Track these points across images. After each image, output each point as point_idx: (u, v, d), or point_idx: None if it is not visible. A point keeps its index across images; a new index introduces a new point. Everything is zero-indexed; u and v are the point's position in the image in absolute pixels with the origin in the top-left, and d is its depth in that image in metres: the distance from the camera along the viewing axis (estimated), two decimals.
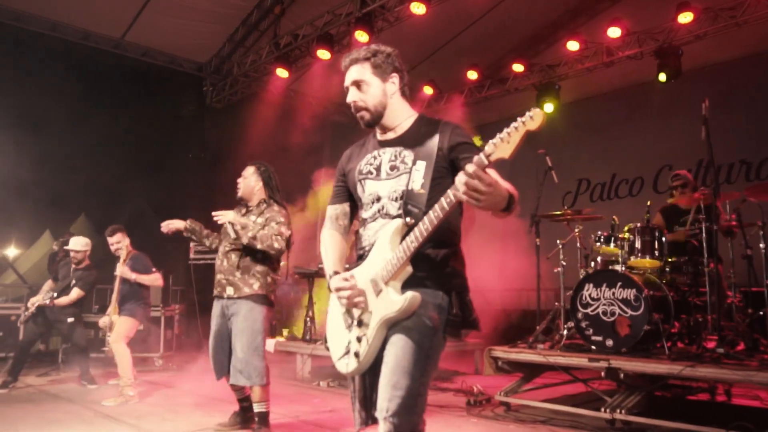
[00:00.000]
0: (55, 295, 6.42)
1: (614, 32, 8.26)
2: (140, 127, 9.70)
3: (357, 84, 2.25)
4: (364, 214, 2.29)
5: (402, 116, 2.29)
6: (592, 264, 5.32)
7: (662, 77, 8.17)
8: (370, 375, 2.17)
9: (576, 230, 5.39)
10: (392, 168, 2.21)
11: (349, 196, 2.39)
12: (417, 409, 2.03)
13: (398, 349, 2.04)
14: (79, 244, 6.59)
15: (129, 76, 9.82)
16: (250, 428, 4.13)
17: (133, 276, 5.78)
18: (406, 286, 2.07)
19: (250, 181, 4.26)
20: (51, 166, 8.89)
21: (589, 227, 5.75)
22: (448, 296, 2.14)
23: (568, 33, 9.05)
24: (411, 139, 2.23)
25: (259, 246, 3.96)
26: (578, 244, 5.45)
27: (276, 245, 3.99)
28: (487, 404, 5.17)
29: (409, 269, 2.08)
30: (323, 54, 8.30)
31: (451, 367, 7.28)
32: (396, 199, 2.17)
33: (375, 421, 2.20)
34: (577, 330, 4.84)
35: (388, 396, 2.00)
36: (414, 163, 2.16)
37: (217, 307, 4.19)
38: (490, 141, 1.79)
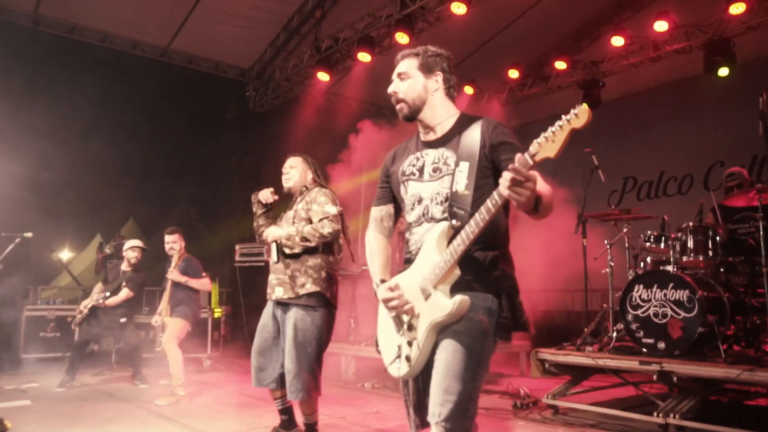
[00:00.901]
0: (108, 294, 6.63)
1: (661, 26, 8.04)
2: (186, 133, 9.94)
3: (400, 75, 2.30)
4: (409, 217, 2.29)
5: (443, 115, 2.29)
6: (642, 264, 5.19)
7: (723, 72, 7.91)
8: (423, 379, 2.17)
9: (624, 230, 5.27)
10: (435, 170, 2.22)
11: (393, 197, 2.41)
12: (469, 414, 2.02)
13: (449, 353, 2.04)
14: (138, 243, 6.92)
15: (175, 84, 10.07)
16: None
17: (183, 279, 5.92)
18: (455, 289, 2.06)
19: (297, 171, 3.94)
20: (101, 172, 9.20)
21: (637, 227, 5.61)
22: (498, 299, 2.13)
23: (612, 28, 8.87)
24: (453, 140, 2.23)
25: (312, 243, 3.64)
26: (626, 244, 5.33)
27: (325, 231, 3.62)
28: (533, 407, 5.09)
29: (457, 272, 2.07)
30: (364, 57, 8.34)
31: (496, 370, 7.19)
32: (440, 202, 2.17)
33: (429, 425, 2.20)
34: (627, 332, 4.73)
35: (440, 400, 2.00)
36: (457, 164, 2.16)
37: (267, 310, 3.85)
38: (535, 141, 1.78)
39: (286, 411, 3.88)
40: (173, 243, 6.06)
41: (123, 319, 6.67)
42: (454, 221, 2.09)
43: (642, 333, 4.60)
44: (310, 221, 3.73)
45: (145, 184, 9.88)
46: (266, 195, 3.97)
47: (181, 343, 5.87)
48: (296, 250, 3.69)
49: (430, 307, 2.07)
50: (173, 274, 5.88)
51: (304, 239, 3.64)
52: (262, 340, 3.78)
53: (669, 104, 9.56)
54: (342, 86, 10.67)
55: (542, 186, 1.91)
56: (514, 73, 9.85)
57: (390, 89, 2.31)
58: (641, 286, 4.67)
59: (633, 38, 8.62)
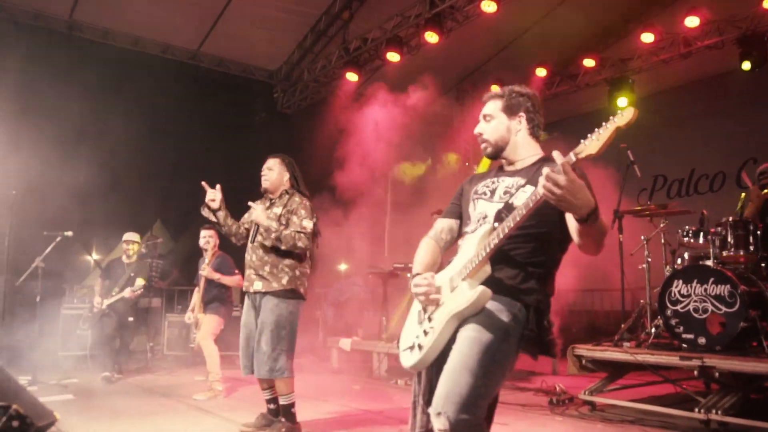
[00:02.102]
0: (131, 287, 6.85)
1: (692, 21, 7.97)
2: (214, 134, 10.08)
3: (485, 117, 2.39)
4: (468, 229, 2.33)
5: (525, 153, 2.36)
6: (679, 260, 5.15)
7: (746, 65, 7.82)
8: (437, 376, 2.09)
9: (661, 225, 5.23)
10: (505, 192, 2.27)
11: (459, 215, 2.45)
12: (476, 410, 1.94)
13: (464, 346, 2.01)
14: (135, 236, 7.18)
15: (204, 86, 10.22)
16: (278, 421, 4.06)
17: (216, 276, 6.00)
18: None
19: (275, 173, 4.21)
20: (133, 173, 9.37)
21: (672, 223, 5.56)
22: (526, 310, 2.12)
23: (641, 25, 8.80)
24: (530, 171, 2.28)
25: (283, 247, 3.95)
26: (662, 240, 5.29)
27: (300, 244, 3.95)
28: (570, 403, 5.07)
29: (487, 269, 2.09)
30: (393, 56, 8.39)
31: (528, 368, 7.18)
32: (496, 214, 2.21)
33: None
34: (666, 328, 4.70)
35: (445, 392, 1.94)
36: (523, 186, 2.21)
37: (247, 302, 4.19)
38: (582, 141, 1.83)
39: (274, 401, 4.17)
40: (209, 237, 6.15)
41: (131, 318, 6.88)
42: (496, 224, 2.12)
43: (682, 328, 4.57)
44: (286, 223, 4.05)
45: (175, 186, 10.01)
46: (210, 197, 4.25)
47: (216, 339, 5.97)
48: (266, 243, 4.00)
49: (453, 298, 2.10)
50: (206, 271, 5.96)
51: (278, 240, 3.95)
52: (247, 331, 4.12)
53: (700, 101, 9.46)
54: (370, 87, 10.72)
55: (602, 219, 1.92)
56: (541, 72, 9.82)
57: (476, 130, 2.41)
58: (680, 282, 4.63)
59: (663, 34, 8.55)
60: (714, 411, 4.01)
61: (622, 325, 5.24)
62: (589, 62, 9.41)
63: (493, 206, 2.25)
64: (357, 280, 10.33)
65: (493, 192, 2.31)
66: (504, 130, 2.35)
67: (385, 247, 10.36)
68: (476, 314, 2.05)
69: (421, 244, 2.46)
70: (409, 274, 2.38)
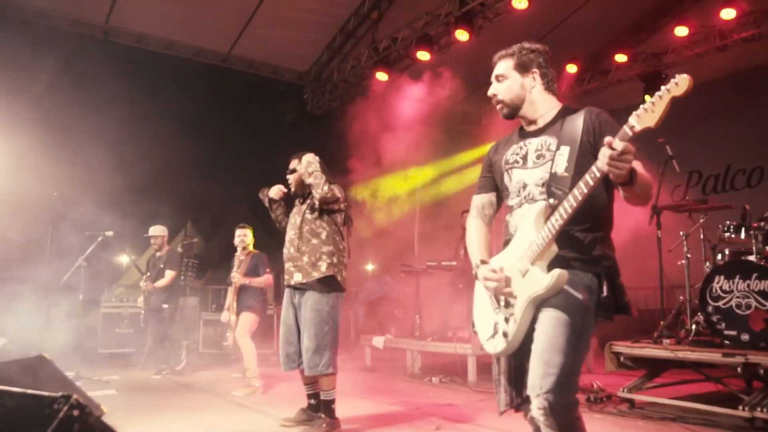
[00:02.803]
0: (148, 275, 7.07)
1: (728, 14, 7.82)
2: (245, 136, 10.21)
3: (497, 78, 2.36)
4: (511, 201, 2.33)
5: (544, 108, 2.33)
6: (719, 256, 5.06)
7: None
8: (517, 356, 2.19)
9: (701, 220, 5.15)
10: (538, 156, 2.25)
11: (494, 186, 2.45)
12: (571, 387, 2.03)
13: (549, 327, 2.06)
14: (157, 230, 7.28)
15: (235, 89, 10.36)
16: (318, 417, 4.10)
17: (246, 281, 6.07)
18: (553, 266, 2.08)
19: (298, 174, 4.29)
20: (164, 176, 9.52)
21: (710, 218, 5.46)
22: (598, 279, 2.14)
23: (674, 18, 8.67)
24: (555, 127, 2.26)
25: (319, 187, 3.98)
26: (702, 236, 5.21)
27: (335, 190, 4.04)
28: (608, 401, 5.02)
29: (555, 249, 2.09)
30: (423, 55, 8.41)
31: None
32: (541, 185, 2.20)
33: (523, 402, 2.21)
34: (707, 324, 4.63)
35: (541, 373, 2.01)
36: (558, 148, 2.19)
37: (286, 298, 4.25)
38: (634, 113, 1.82)
39: (315, 396, 4.21)
40: (243, 236, 6.25)
41: (165, 305, 6.99)
42: (551, 200, 2.11)
43: (724, 325, 4.49)
44: (320, 212, 4.14)
45: (207, 187, 10.19)
46: (276, 191, 4.43)
47: (253, 336, 6.05)
48: (308, 180, 4.05)
49: (528, 283, 2.10)
50: (237, 278, 6.03)
51: (319, 178, 4.01)
52: (286, 327, 4.19)
53: (736, 95, 9.27)
54: (399, 86, 10.75)
55: (638, 166, 1.95)
56: (572, 68, 9.74)
57: (489, 92, 2.38)
58: (722, 277, 4.55)
59: (698, 27, 8.41)
60: (759, 409, 3.94)
61: (661, 322, 5.17)
62: (621, 58, 9.30)
63: (530, 173, 2.25)
64: (388, 279, 10.37)
65: (524, 158, 2.29)
66: (518, 88, 2.32)
67: (415, 246, 10.36)
68: (554, 295, 2.07)
69: (469, 227, 2.46)
70: (474, 265, 2.38)
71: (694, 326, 4.87)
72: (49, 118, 7.88)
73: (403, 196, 10.36)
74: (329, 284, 4.08)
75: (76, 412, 2.35)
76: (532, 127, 2.34)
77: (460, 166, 11.34)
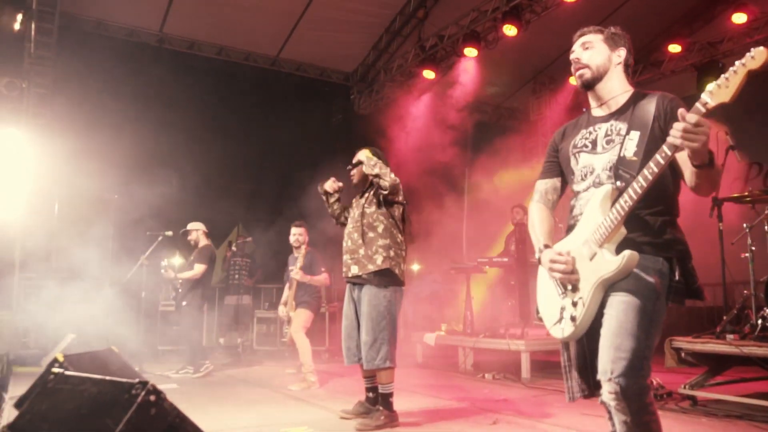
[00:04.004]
0: (165, 263, 7.00)
1: None
2: (294, 138, 10.39)
3: (584, 45, 2.32)
4: (577, 186, 2.30)
5: (618, 89, 2.29)
6: None
7: None
8: (588, 342, 2.16)
9: (766, 211, 4.98)
10: (608, 141, 2.22)
11: (559, 172, 2.42)
12: (643, 372, 1.99)
13: (620, 311, 2.02)
14: (193, 225, 7.23)
15: (284, 91, 10.56)
16: (376, 409, 4.13)
17: (307, 279, 6.14)
18: (622, 249, 2.04)
19: (361, 169, 4.30)
20: (217, 177, 9.79)
21: None
22: (669, 262, 2.10)
23: (732, 5, 8.39)
24: (626, 112, 2.23)
25: (385, 178, 4.03)
26: (766, 227, 5.02)
27: (396, 180, 4.09)
28: (668, 398, 4.90)
29: (623, 231, 2.06)
30: (470, 52, 8.39)
31: None
32: (609, 169, 2.17)
33: (595, 389, 2.19)
34: None
35: (612, 357, 1.98)
36: (628, 132, 2.16)
37: (347, 293, 4.32)
38: (707, 88, 1.79)
39: (373, 389, 4.28)
40: (299, 235, 6.33)
41: (184, 302, 6.94)
42: (618, 183, 2.09)
43: None
44: (379, 204, 4.20)
45: (258, 188, 10.41)
46: (330, 185, 4.50)
47: (308, 333, 6.16)
48: (374, 171, 4.07)
49: (596, 266, 2.07)
50: (299, 275, 6.10)
51: (384, 167, 4.08)
52: (348, 322, 4.27)
53: None
54: (446, 84, 10.75)
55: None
56: None
57: (572, 56, 2.33)
58: None
59: (757, 14, 8.12)
60: None
61: (724, 317, 5.01)
62: (674, 48, 9.05)
63: (599, 158, 2.22)
64: (436, 277, 10.36)
65: (594, 143, 2.26)
66: (605, 58, 2.28)
67: (463, 243, 10.33)
68: (624, 278, 2.04)
69: (532, 211, 2.45)
70: (538, 250, 2.37)
71: (760, 321, 4.70)
72: (107, 125, 8.19)
73: (450, 193, 10.33)
74: (386, 278, 4.12)
75: (152, 397, 2.47)
76: (602, 111, 2.31)
77: (508, 162, 11.24)
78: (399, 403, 4.66)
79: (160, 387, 5.62)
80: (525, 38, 8.36)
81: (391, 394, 4.14)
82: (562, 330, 2.18)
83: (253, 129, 10.10)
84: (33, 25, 7.91)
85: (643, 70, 9.99)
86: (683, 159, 1.98)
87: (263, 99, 10.27)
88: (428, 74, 9.27)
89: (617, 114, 2.25)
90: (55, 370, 2.88)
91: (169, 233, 6.80)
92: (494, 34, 8.41)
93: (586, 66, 2.28)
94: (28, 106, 8.61)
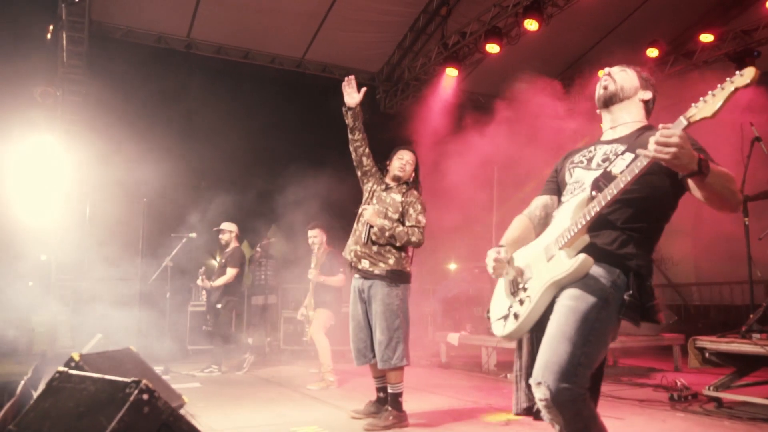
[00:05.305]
0: (202, 270, 7.10)
1: None
2: (320, 139, 10.44)
3: (620, 68, 2.34)
4: (563, 198, 2.30)
5: (632, 117, 2.29)
6: None
7: None
8: (537, 348, 2.08)
9: None
10: (604, 160, 2.21)
11: (556, 190, 2.41)
12: (577, 379, 1.91)
13: (561, 315, 1.99)
14: (226, 225, 7.29)
15: (309, 92, 10.64)
16: (385, 409, 4.11)
17: (321, 279, 6.19)
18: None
19: (411, 167, 4.38)
20: (246, 179, 9.92)
21: None
22: (626, 276, 2.05)
23: None
24: (629, 138, 2.22)
25: (397, 244, 4.11)
26: None
27: (413, 239, 4.10)
28: (693, 400, 4.75)
29: (586, 238, 2.04)
30: (492, 48, 8.29)
31: (647, 364, 6.83)
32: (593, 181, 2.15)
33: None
34: None
35: (545, 361, 1.93)
36: (623, 153, 2.14)
37: (353, 295, 4.29)
38: (694, 105, 1.78)
39: (384, 389, 4.25)
40: (314, 237, 6.38)
41: (219, 305, 7.00)
42: (593, 192, 2.06)
43: None
44: (401, 220, 4.18)
45: (287, 190, 10.50)
46: (348, 98, 4.39)
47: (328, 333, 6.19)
48: (380, 241, 4.13)
49: (551, 267, 2.06)
50: (313, 276, 6.15)
51: (392, 238, 4.11)
52: (355, 323, 4.26)
53: None
54: (470, 82, 10.67)
55: (715, 167, 1.88)
56: (653, 52, 9.26)
57: (605, 70, 2.35)
58: None
59: None
60: None
61: (751, 315, 4.82)
62: (706, 37, 8.75)
63: (590, 174, 2.19)
64: (465, 276, 10.29)
65: (590, 160, 2.26)
66: (634, 87, 2.29)
67: (492, 241, 10.22)
68: (574, 282, 2.01)
69: (514, 220, 2.45)
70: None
71: None
72: (136, 130, 8.39)
73: (480, 191, 10.23)
74: (398, 276, 4.13)
75: (145, 396, 2.52)
76: (609, 136, 2.31)
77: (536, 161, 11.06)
78: (413, 403, 4.65)
79: (184, 386, 5.77)
80: (548, 33, 8.22)
81: (400, 394, 4.12)
82: (504, 327, 2.15)
83: (281, 131, 10.21)
84: (64, 35, 8.17)
85: (675, 62, 9.70)
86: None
87: (289, 101, 10.38)
88: (451, 72, 9.20)
89: (622, 139, 2.24)
90: (61, 368, 2.97)
91: (193, 235, 6.94)
92: (516, 30, 8.29)
93: (613, 79, 2.30)
94: (62, 113, 8.92)
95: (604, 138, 2.34)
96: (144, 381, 2.50)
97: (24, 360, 7.50)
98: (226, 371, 6.88)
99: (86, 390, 2.68)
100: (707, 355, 4.71)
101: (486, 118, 10.05)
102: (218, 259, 7.80)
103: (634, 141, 2.16)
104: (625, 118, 2.28)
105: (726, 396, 4.53)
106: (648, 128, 2.23)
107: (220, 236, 7.34)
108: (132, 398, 2.45)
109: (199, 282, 7.16)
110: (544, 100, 12.18)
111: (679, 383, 4.92)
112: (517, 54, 8.88)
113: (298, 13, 9.39)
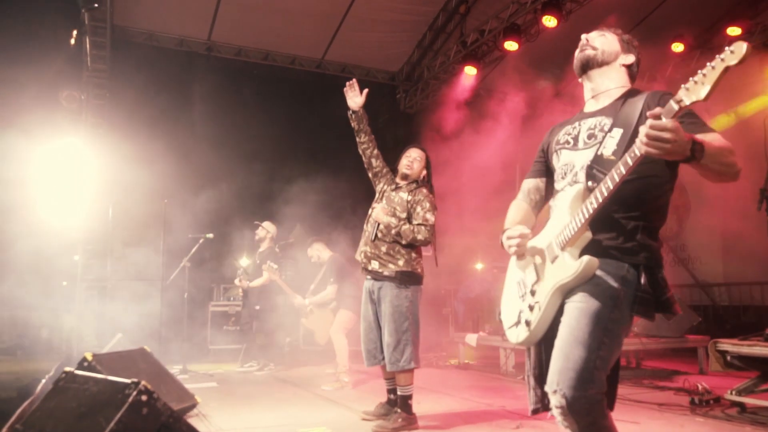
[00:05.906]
0: (240, 271, 7.29)
1: None
2: (342, 139, 10.43)
3: (599, 33, 2.26)
4: (557, 185, 2.21)
5: (614, 83, 2.20)
6: None
7: None
8: (547, 350, 2.04)
9: None
10: (590, 137, 2.11)
11: (545, 171, 2.34)
12: (593, 385, 1.84)
13: (572, 318, 1.92)
14: (265, 225, 7.46)
15: (329, 93, 10.59)
16: (395, 411, 4.08)
17: (308, 305, 6.62)
18: (587, 253, 1.94)
19: (419, 165, 4.32)
20: (264, 181, 9.97)
21: None
22: (636, 269, 1.96)
23: None
24: (614, 108, 2.12)
25: (403, 242, 4.08)
26: None
27: (419, 237, 4.05)
28: (714, 404, 4.62)
29: (588, 235, 1.95)
30: (511, 45, 8.19)
31: (670, 366, 6.67)
32: (586, 168, 2.06)
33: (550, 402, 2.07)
34: None
35: (559, 368, 1.86)
36: (611, 129, 2.04)
37: (364, 296, 4.28)
38: (683, 85, 1.65)
39: (394, 391, 4.22)
40: (314, 252, 6.57)
41: (257, 306, 7.15)
42: (590, 183, 1.97)
43: None
44: (408, 218, 4.14)
45: (308, 192, 10.54)
46: (351, 101, 4.29)
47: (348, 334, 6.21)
48: (386, 239, 4.12)
49: (556, 270, 1.98)
50: (299, 302, 6.53)
51: (398, 235, 4.09)
52: (366, 324, 4.25)
53: None
54: (490, 80, 10.56)
55: (710, 137, 1.78)
56: (678, 47, 9.05)
57: (584, 36, 2.27)
58: None
59: None
60: None
61: None
62: (734, 30, 8.51)
63: (579, 155, 2.11)
64: (486, 277, 10.20)
65: (575, 138, 2.16)
66: (614, 51, 2.21)
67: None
68: (582, 284, 1.94)
69: (511, 206, 2.37)
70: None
71: None
72: (158, 133, 8.48)
73: (502, 189, 10.12)
74: (408, 278, 4.11)
75: (144, 397, 2.53)
76: (592, 106, 2.21)
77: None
78: (427, 405, 4.62)
79: (201, 386, 5.83)
80: (568, 30, 8.06)
81: (410, 396, 4.09)
82: (517, 335, 2.10)
83: (301, 132, 10.25)
84: (87, 40, 8.33)
85: (701, 56, 9.44)
86: None
87: (309, 101, 10.40)
88: (470, 70, 9.12)
89: (606, 110, 2.14)
90: (67, 369, 3.01)
91: (210, 235, 7.00)
92: (535, 27, 8.16)
93: (593, 47, 2.21)
94: (87, 116, 9.09)
95: (586, 109, 2.24)
96: (143, 382, 2.52)
97: (56, 359, 7.68)
98: (271, 368, 7.09)
99: (89, 390, 2.72)
100: (729, 358, 4.57)
101: (507, 116, 9.95)
102: (254, 259, 7.88)
103: (619, 111, 2.07)
104: (607, 84, 2.19)
105: (749, 401, 4.39)
106: (632, 93, 2.14)
107: (256, 231, 7.45)
108: (131, 399, 2.48)
109: (236, 282, 7.36)
110: (565, 98, 12.01)
111: (700, 387, 4.79)
112: (536, 51, 8.75)
113: (317, 13, 9.40)
